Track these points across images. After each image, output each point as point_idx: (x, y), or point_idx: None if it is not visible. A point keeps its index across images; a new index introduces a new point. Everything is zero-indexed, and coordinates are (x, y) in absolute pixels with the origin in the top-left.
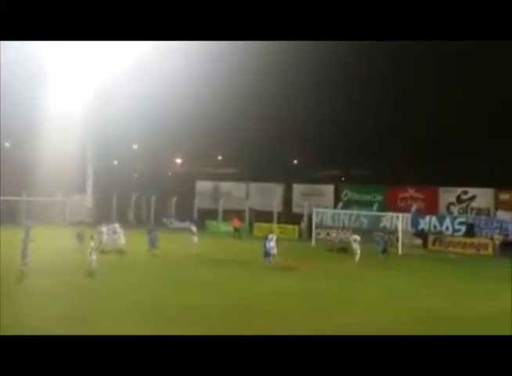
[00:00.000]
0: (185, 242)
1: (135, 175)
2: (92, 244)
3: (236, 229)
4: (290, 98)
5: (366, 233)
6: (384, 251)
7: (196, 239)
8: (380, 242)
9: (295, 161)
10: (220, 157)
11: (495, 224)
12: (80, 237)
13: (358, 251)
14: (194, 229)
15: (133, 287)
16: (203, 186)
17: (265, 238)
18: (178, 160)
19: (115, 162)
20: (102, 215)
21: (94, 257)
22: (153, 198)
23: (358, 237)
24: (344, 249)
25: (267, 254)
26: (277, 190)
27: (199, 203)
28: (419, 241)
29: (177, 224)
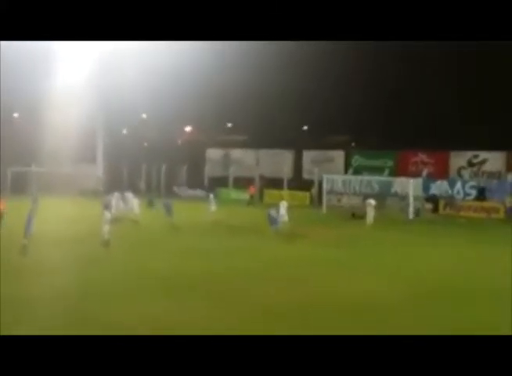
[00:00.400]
0: (199, 210)
1: (145, 144)
2: (108, 213)
3: (252, 197)
4: (299, 66)
5: (378, 199)
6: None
7: (213, 207)
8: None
9: (305, 127)
10: (229, 125)
11: (506, 187)
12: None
13: (372, 216)
14: (212, 196)
15: (152, 257)
16: (213, 153)
17: (270, 208)
18: (188, 129)
19: (124, 131)
20: (113, 183)
21: (107, 227)
22: (164, 167)
23: (373, 201)
24: (359, 215)
25: (272, 221)
26: (287, 157)
27: (209, 171)
28: (430, 206)
29: (188, 192)
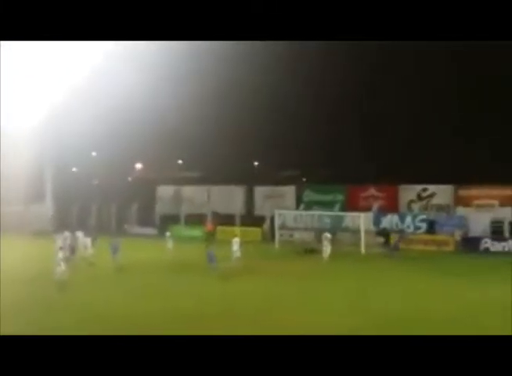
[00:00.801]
0: (154, 248)
1: (95, 182)
2: (61, 254)
3: (211, 234)
4: (248, 100)
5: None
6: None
7: (170, 245)
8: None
9: (256, 163)
10: (180, 161)
11: (455, 220)
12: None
13: (329, 250)
14: (168, 234)
15: (103, 297)
16: (164, 191)
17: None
18: (138, 166)
19: (74, 169)
20: (63, 223)
21: (62, 267)
22: (114, 205)
23: (329, 235)
24: (313, 249)
25: (210, 259)
26: (239, 193)
27: (160, 208)
28: (381, 240)
29: (139, 230)
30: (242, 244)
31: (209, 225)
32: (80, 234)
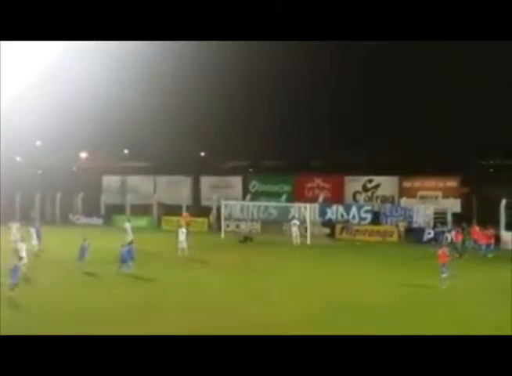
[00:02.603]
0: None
1: (39, 172)
2: (21, 245)
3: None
4: (196, 89)
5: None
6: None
7: (130, 237)
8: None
9: (202, 153)
10: (126, 151)
11: (399, 211)
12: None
13: (298, 235)
14: (128, 225)
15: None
16: (110, 180)
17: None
18: (84, 155)
19: (18, 158)
20: (6, 213)
21: (25, 260)
22: (58, 195)
23: (297, 222)
24: (247, 238)
25: (123, 260)
26: (185, 183)
27: (106, 198)
28: (327, 230)
29: (84, 220)
30: (188, 234)
31: (185, 216)
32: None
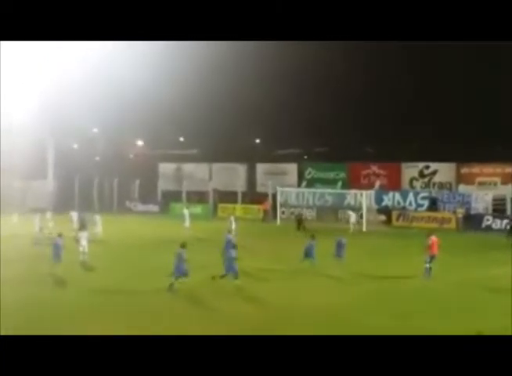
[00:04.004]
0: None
1: (97, 159)
2: (84, 233)
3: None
4: (250, 77)
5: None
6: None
7: (188, 223)
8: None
9: (257, 140)
10: (182, 139)
11: (457, 198)
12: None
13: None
14: (186, 212)
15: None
16: (166, 168)
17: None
18: (140, 143)
19: (75, 146)
20: (65, 200)
21: (86, 249)
22: (116, 181)
23: (353, 214)
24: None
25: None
26: (240, 170)
27: (162, 185)
28: (383, 217)
29: (141, 207)
30: (238, 221)
31: (265, 204)
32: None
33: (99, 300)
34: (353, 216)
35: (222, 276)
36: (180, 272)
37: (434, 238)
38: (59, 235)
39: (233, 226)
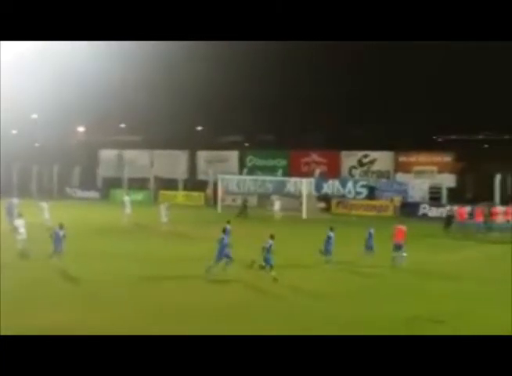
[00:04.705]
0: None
1: (36, 145)
2: (19, 221)
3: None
4: (192, 64)
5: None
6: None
7: (129, 210)
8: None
9: (199, 128)
10: (123, 125)
11: (394, 186)
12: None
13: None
14: (127, 199)
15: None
16: (107, 154)
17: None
18: (81, 129)
19: (14, 131)
20: (3, 187)
21: (24, 235)
22: (56, 168)
23: (277, 201)
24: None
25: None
26: (182, 157)
27: (103, 172)
28: (323, 205)
29: (81, 194)
30: (184, 207)
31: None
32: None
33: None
34: (277, 203)
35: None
36: (222, 255)
37: (400, 227)
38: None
39: (165, 213)
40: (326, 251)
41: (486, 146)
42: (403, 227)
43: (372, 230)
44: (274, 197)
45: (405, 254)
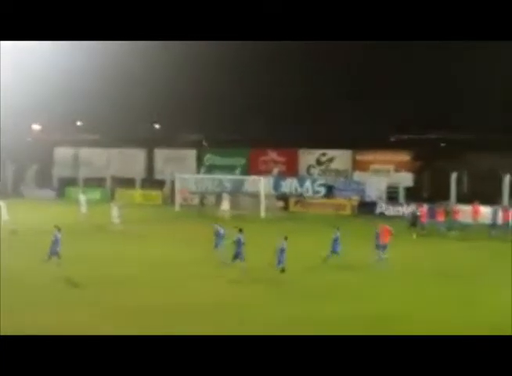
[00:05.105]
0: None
1: None
2: None
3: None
4: (149, 60)
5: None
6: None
7: (84, 209)
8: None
9: (157, 126)
10: (79, 123)
11: (352, 185)
12: None
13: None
14: (83, 198)
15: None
16: (62, 153)
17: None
18: (36, 127)
19: None
20: None
21: None
22: (11, 166)
23: (228, 196)
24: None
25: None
26: (139, 156)
27: (59, 171)
28: (281, 204)
29: (37, 192)
30: (141, 206)
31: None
32: None
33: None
34: (225, 202)
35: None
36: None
37: (384, 227)
38: None
39: (117, 214)
40: (334, 252)
41: (442, 144)
42: (389, 227)
43: (337, 234)
44: (224, 196)
45: (385, 256)
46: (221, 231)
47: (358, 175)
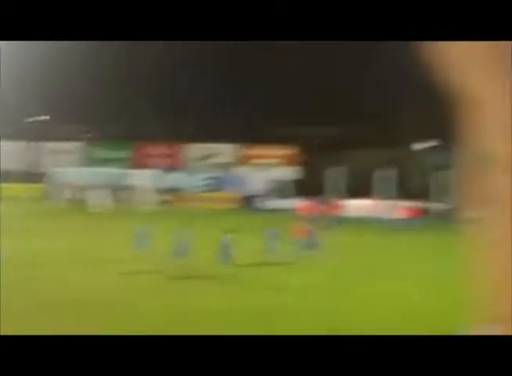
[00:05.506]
0: None
1: None
2: None
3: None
4: (36, 51)
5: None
6: None
7: None
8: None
9: (41, 117)
10: None
11: (237, 179)
12: None
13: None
14: None
15: None
16: None
17: None
18: None
19: None
20: None
21: None
22: None
23: (103, 191)
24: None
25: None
26: (21, 148)
27: None
28: (167, 197)
29: None
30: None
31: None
32: None
33: None
34: (105, 196)
35: None
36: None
37: (301, 223)
38: None
39: None
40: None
41: (318, 141)
42: (305, 224)
43: (228, 237)
44: (97, 190)
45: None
46: None
47: (243, 170)
